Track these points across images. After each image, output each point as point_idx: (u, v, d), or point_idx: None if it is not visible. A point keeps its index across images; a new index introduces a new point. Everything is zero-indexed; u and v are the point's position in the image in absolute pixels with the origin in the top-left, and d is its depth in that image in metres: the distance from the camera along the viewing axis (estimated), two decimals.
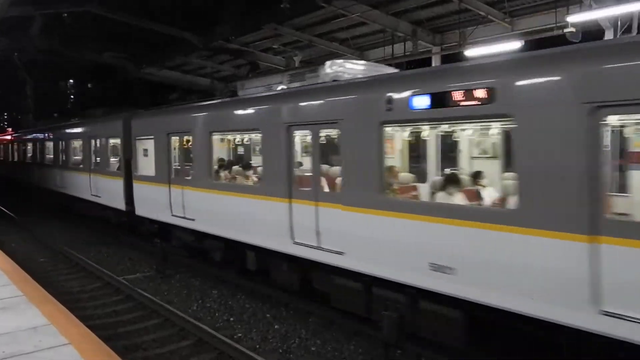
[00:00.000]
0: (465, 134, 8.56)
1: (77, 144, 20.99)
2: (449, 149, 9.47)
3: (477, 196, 7.63)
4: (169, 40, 24.00)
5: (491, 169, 8.59)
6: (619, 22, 13.81)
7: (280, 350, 8.41)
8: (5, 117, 68.19)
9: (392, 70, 10.46)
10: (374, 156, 7.66)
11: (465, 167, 9.24)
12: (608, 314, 5.21)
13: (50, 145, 24.30)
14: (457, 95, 6.44)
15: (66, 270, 14.02)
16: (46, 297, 7.86)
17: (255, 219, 9.98)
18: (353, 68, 9.64)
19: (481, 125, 7.63)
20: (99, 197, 17.44)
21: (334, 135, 8.92)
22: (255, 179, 11.12)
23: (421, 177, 9.27)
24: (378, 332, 8.09)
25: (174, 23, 22.26)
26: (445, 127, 8.36)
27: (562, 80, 5.56)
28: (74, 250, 15.84)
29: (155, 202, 13.53)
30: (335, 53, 22.14)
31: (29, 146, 29.34)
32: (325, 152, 9.29)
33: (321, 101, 8.80)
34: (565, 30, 14.11)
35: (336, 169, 8.84)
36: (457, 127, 8.10)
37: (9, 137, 38.13)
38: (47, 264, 14.79)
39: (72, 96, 54.05)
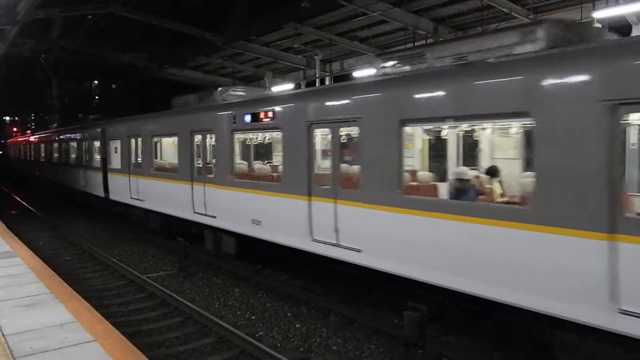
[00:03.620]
0: None
1: (166, 142, 16.69)
2: None
3: None
4: (190, 39, 24.22)
5: None
6: None
7: (302, 349, 8.42)
8: (32, 117, 69.61)
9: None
10: None
11: None
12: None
13: (117, 145, 18.98)
14: None
15: (91, 268, 14.25)
16: (72, 294, 8.02)
17: None
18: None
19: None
20: (214, 217, 12.53)
21: None
22: None
23: None
24: (399, 331, 8.07)
25: (195, 24, 22.48)
26: None
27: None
28: (99, 248, 16.10)
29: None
30: (355, 52, 22.12)
31: (79, 145, 24.00)
32: None
33: None
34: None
35: None
36: None
37: (46, 135, 33.14)
38: (73, 261, 15.06)
39: (96, 97, 54.94)
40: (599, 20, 13.64)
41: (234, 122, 11.80)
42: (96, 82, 53.22)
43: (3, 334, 6.13)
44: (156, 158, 16.52)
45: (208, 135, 13.06)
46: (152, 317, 10.14)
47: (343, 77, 22.91)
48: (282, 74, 27.13)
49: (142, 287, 12.03)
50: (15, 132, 59.29)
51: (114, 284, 12.55)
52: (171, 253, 14.81)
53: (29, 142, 39.56)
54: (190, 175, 13.48)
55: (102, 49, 27.65)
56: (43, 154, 33.34)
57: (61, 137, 27.99)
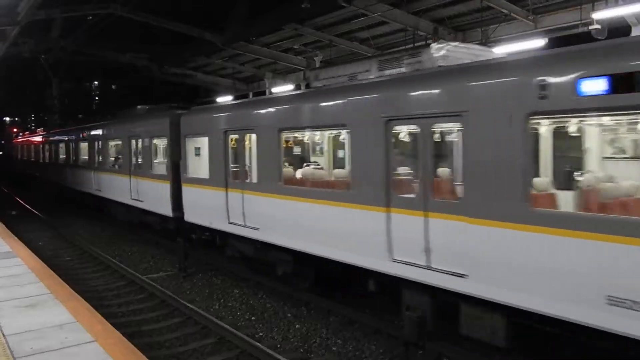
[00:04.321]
0: None
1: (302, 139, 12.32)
2: None
3: None
4: (190, 39, 24.24)
5: None
6: None
7: (301, 350, 8.44)
8: (33, 117, 69.66)
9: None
10: None
11: None
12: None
13: (201, 144, 13.61)
14: None
15: (91, 269, 14.26)
16: (72, 294, 8.02)
17: None
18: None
19: None
20: (462, 276, 6.97)
21: None
22: None
23: None
24: (399, 332, 8.08)
25: (195, 24, 22.52)
26: None
27: None
28: (99, 248, 16.11)
29: None
30: (355, 53, 22.15)
31: (125, 145, 18.08)
32: None
33: None
34: (591, 27, 13.85)
35: None
36: None
37: (70, 132, 26.40)
38: (73, 262, 15.07)
39: (96, 97, 55.00)
40: (598, 22, 13.65)
41: (541, 97, 5.97)
42: (96, 82, 53.30)
43: (3, 334, 6.14)
44: (289, 165, 11.57)
45: (438, 126, 7.56)
46: (152, 318, 10.16)
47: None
48: (282, 75, 27.15)
49: (142, 288, 12.04)
50: (16, 132, 59.10)
51: (114, 285, 12.57)
52: (171, 253, 14.83)
53: (44, 142, 33.21)
54: (384, 195, 7.89)
55: (102, 49, 27.67)
56: (63, 156, 27.61)
57: (94, 134, 21.73)
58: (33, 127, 61.08)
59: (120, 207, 18.84)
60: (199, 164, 13.65)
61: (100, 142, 20.96)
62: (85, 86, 54.11)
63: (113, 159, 20.02)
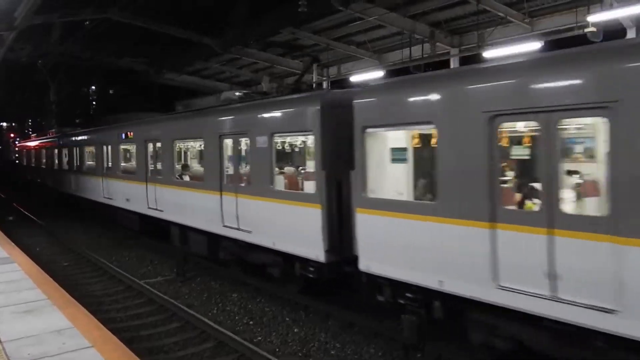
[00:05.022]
0: None
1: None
2: None
3: None
4: (189, 42, 24.25)
5: None
6: None
7: (300, 354, 8.43)
8: (30, 122, 69.54)
9: None
10: None
11: None
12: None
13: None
14: None
15: (89, 274, 14.23)
16: (69, 300, 8.01)
17: None
18: None
19: None
20: None
21: None
22: None
23: None
24: (398, 334, 8.07)
25: (195, 25, 22.53)
26: None
27: None
28: (97, 254, 16.07)
29: None
30: (353, 56, 22.20)
31: (214, 147, 12.28)
32: None
33: None
34: (586, 30, 13.90)
35: None
36: None
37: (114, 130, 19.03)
38: (71, 267, 15.03)
39: (94, 102, 54.92)
40: (593, 24, 13.70)
41: None
42: (93, 87, 53.24)
43: (0, 341, 6.12)
44: None
45: None
46: (150, 323, 10.14)
47: (341, 82, 22.99)
48: (279, 79, 27.18)
49: (141, 293, 12.02)
50: (13, 137, 58.78)
51: (112, 290, 12.55)
52: (170, 258, 14.80)
53: (64, 145, 26.89)
54: None
55: (101, 52, 27.62)
56: (91, 162, 22.26)
57: (148, 133, 16.26)
58: (30, 132, 60.80)
59: (195, 235, 13.34)
60: (400, 178, 8.59)
61: (157, 144, 15.59)
62: (84, 90, 53.97)
63: (180, 166, 15.33)
